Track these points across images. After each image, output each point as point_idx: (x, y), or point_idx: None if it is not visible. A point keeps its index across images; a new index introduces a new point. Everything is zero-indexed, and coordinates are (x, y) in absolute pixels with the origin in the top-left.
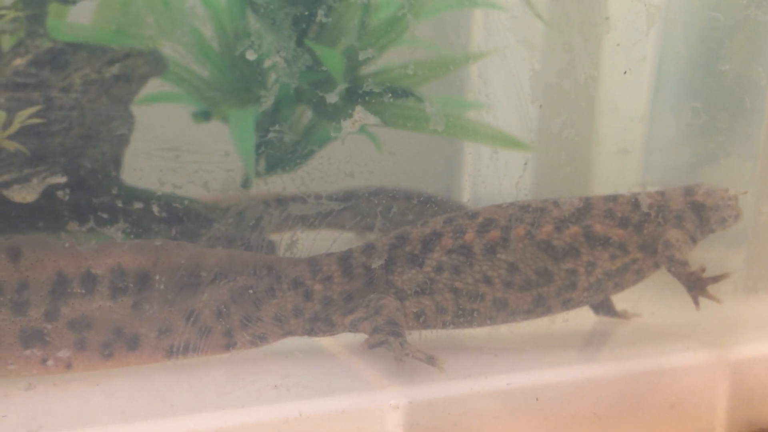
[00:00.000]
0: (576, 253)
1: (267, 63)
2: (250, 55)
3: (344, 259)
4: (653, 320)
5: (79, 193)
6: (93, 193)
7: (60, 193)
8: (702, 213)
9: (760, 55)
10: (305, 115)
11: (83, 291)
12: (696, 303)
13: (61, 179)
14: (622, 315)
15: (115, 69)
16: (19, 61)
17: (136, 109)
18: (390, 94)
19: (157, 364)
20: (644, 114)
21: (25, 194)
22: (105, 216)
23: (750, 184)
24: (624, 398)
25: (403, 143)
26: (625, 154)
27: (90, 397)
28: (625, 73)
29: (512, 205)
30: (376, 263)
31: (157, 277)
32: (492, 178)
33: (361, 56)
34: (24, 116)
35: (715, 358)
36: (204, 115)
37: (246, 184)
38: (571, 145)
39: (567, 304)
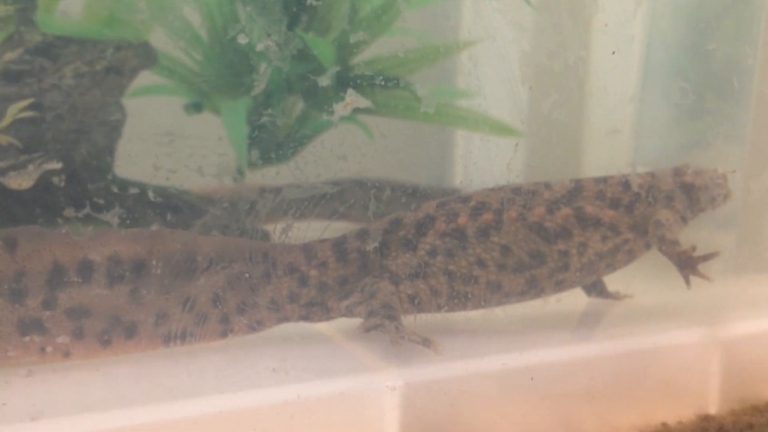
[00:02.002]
0: (568, 235)
1: (259, 47)
2: (242, 39)
3: (338, 244)
4: (645, 300)
5: (72, 187)
6: (85, 187)
7: (56, 179)
8: (692, 193)
9: (748, 36)
10: (296, 106)
11: (80, 280)
12: (687, 282)
13: (57, 165)
14: (614, 296)
15: (105, 62)
16: (9, 55)
17: (131, 97)
18: (381, 79)
19: (155, 351)
20: (634, 94)
21: (21, 181)
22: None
23: (739, 164)
24: (617, 377)
25: (394, 131)
26: (616, 134)
27: (89, 383)
28: (614, 53)
29: (504, 189)
30: (371, 246)
31: (153, 265)
32: (483, 160)
33: (352, 39)
34: (16, 109)
35: (706, 336)
36: (195, 107)
37: (238, 175)
38: (561, 126)
39: (560, 286)
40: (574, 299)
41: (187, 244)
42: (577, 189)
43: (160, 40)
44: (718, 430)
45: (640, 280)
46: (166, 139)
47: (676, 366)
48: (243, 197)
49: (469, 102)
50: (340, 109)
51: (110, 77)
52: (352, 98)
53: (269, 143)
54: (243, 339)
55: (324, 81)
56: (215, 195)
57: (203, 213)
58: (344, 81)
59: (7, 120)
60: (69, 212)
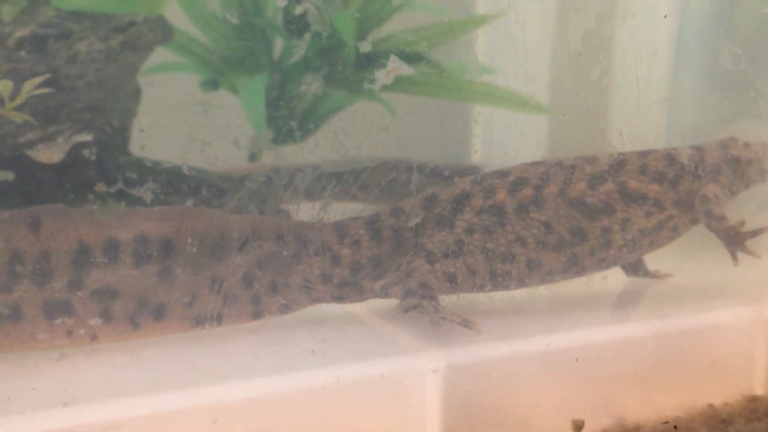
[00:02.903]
0: (610, 211)
1: (299, 9)
2: (281, 2)
3: (372, 222)
4: (689, 279)
5: (87, 165)
6: (101, 166)
7: (86, 152)
8: (739, 166)
9: None
10: (313, 84)
11: (106, 260)
12: (734, 258)
13: (87, 137)
14: (655, 275)
15: (120, 37)
16: (22, 32)
17: (146, 74)
18: (416, 55)
19: (186, 333)
20: (669, 66)
21: (50, 154)
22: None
23: None
24: (664, 357)
25: (411, 109)
26: (664, 103)
27: (122, 367)
28: (666, 17)
29: (543, 163)
30: (413, 222)
31: (181, 244)
32: (505, 135)
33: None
34: (31, 86)
35: (752, 315)
36: (212, 84)
37: (255, 155)
38: (600, 97)
39: (602, 263)
40: (617, 278)
41: (216, 223)
42: (619, 163)
43: (175, 17)
44: (767, 412)
45: (684, 259)
46: (200, 108)
47: (722, 346)
48: (259, 176)
49: (492, 77)
50: (383, 76)
51: (125, 53)
52: (395, 65)
53: (287, 121)
54: (277, 321)
55: (365, 47)
56: (234, 174)
57: (223, 192)
58: (373, 56)
59: (22, 96)
60: (100, 187)
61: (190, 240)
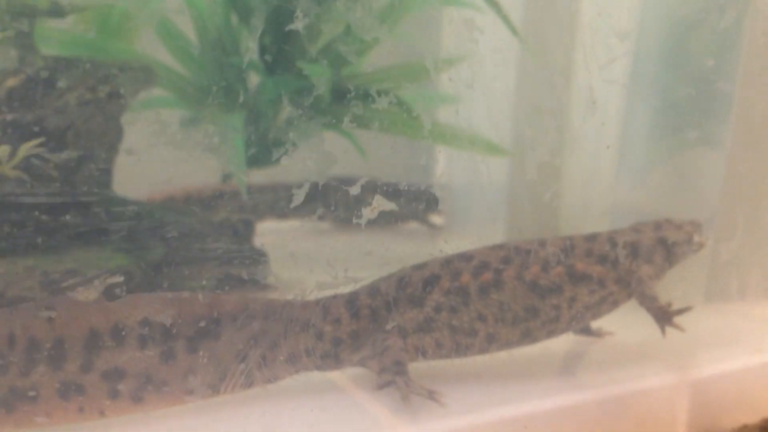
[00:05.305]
0: (560, 290)
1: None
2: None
3: (351, 301)
4: (624, 338)
5: (77, 213)
6: (89, 210)
7: (117, 291)
8: (670, 247)
9: (730, 49)
10: (284, 110)
11: (114, 344)
12: (663, 331)
13: (119, 279)
14: (597, 333)
15: (108, 87)
16: (12, 81)
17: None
18: (385, 98)
19: (184, 406)
20: (618, 116)
21: (88, 294)
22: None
23: (709, 222)
24: (600, 420)
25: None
26: (608, 149)
27: None
28: (594, 103)
29: (504, 247)
30: (390, 325)
31: (180, 326)
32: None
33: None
34: (29, 146)
35: (678, 378)
36: (192, 121)
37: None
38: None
39: (551, 334)
40: (563, 337)
41: (210, 305)
42: (569, 247)
43: (149, 46)
44: None
45: (619, 314)
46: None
47: (650, 406)
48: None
49: (451, 106)
50: (368, 213)
51: (112, 101)
52: (380, 202)
53: (259, 148)
54: (265, 390)
55: (354, 190)
56: (206, 193)
57: (204, 237)
58: (341, 94)
59: (19, 157)
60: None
61: (188, 322)
